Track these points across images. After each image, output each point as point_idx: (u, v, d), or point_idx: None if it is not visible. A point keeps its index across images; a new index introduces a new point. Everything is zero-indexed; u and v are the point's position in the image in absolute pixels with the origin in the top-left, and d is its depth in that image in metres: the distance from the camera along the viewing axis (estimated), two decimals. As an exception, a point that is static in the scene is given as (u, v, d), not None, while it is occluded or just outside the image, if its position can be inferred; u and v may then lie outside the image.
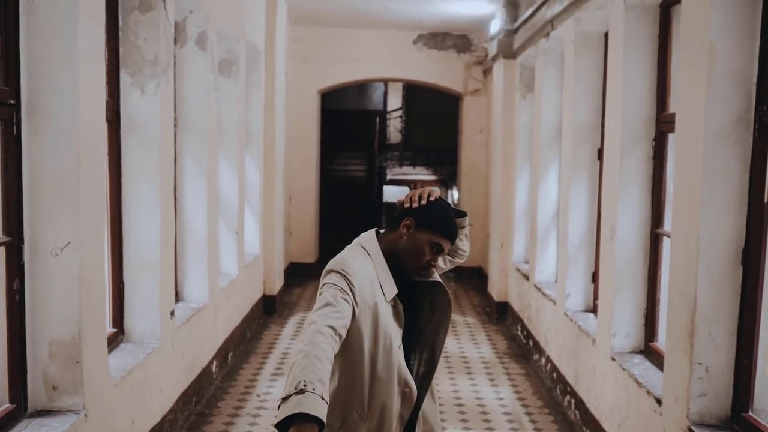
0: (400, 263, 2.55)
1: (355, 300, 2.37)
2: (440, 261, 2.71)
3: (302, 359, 2.11)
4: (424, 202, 2.53)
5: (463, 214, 2.76)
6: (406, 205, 2.54)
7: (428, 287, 2.62)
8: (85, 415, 3.48)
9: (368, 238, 2.59)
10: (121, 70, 4.55)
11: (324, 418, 2.02)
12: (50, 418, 3.37)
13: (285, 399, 2.04)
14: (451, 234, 2.58)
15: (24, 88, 3.32)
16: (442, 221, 2.56)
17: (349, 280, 2.38)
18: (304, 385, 2.03)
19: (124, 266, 4.62)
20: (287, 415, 1.99)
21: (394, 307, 2.51)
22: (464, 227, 2.78)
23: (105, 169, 4.09)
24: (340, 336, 2.27)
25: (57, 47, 3.35)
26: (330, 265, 2.45)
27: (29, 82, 3.33)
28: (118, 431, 4.03)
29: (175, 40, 5.40)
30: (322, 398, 2.04)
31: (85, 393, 3.48)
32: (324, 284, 2.40)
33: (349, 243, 2.64)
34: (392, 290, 2.51)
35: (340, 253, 2.52)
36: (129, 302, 4.64)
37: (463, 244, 2.83)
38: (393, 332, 2.48)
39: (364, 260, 2.50)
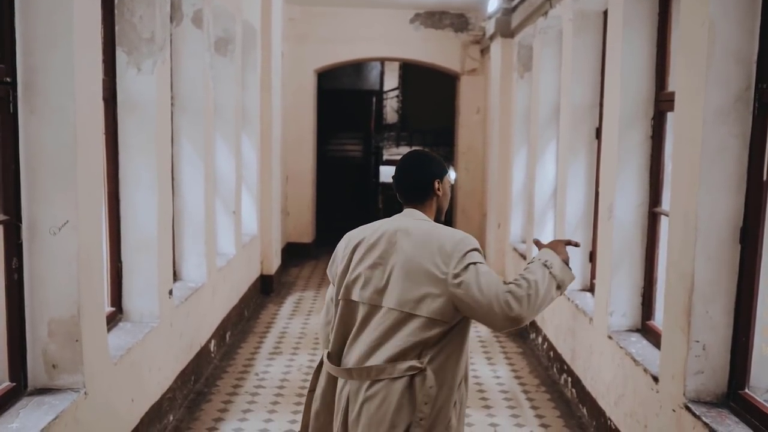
0: (440, 214, 2.81)
1: None
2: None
3: (533, 291, 2.57)
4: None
5: None
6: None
7: None
8: (85, 393, 3.49)
9: (422, 216, 2.73)
10: (117, 49, 4.52)
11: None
12: (50, 396, 3.39)
13: (562, 284, 2.66)
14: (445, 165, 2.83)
15: (20, 67, 3.30)
16: (442, 161, 2.83)
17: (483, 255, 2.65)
18: (545, 266, 2.63)
19: (122, 245, 4.61)
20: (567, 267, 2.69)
21: None
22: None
23: (102, 148, 4.07)
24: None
25: (53, 25, 3.32)
26: (470, 242, 2.60)
27: (25, 61, 3.31)
28: (118, 409, 4.04)
29: (171, 18, 5.36)
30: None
31: (84, 371, 3.50)
32: (476, 262, 2.57)
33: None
34: None
35: (450, 229, 2.66)
36: (127, 281, 4.64)
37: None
38: None
39: None
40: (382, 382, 2.55)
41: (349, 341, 2.67)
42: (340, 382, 2.70)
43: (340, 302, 2.69)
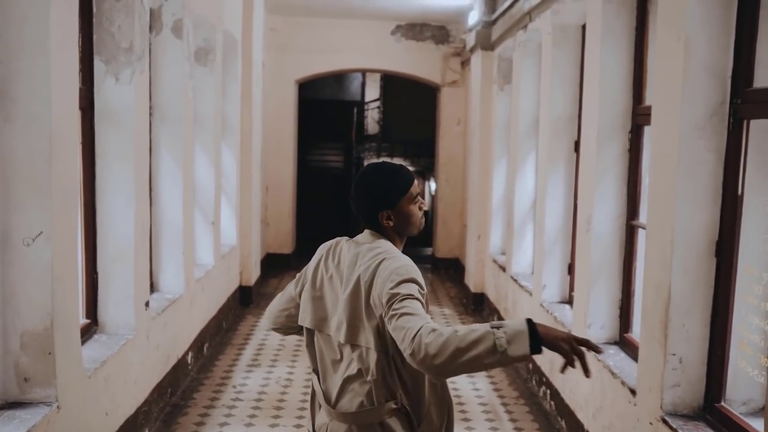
0: (403, 237, 2.59)
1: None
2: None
3: (460, 335, 2.10)
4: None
5: None
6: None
7: None
8: (58, 407, 3.44)
9: (377, 235, 2.51)
10: (95, 58, 4.49)
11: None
12: (22, 410, 3.33)
13: (502, 350, 2.08)
14: (411, 175, 2.57)
15: (-5, 75, 3.26)
16: (402, 179, 2.52)
17: (422, 288, 2.37)
18: (492, 327, 2.11)
19: (98, 256, 4.56)
20: (527, 338, 2.10)
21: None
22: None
23: (78, 157, 4.03)
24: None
25: (29, 33, 3.29)
26: (404, 272, 2.33)
27: (0, 69, 3.27)
28: (92, 423, 3.98)
29: (150, 27, 5.33)
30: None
31: (57, 384, 3.44)
32: (406, 296, 2.27)
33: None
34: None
35: (393, 254, 2.41)
36: (103, 293, 4.58)
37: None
38: None
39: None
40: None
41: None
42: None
43: None
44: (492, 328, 2.11)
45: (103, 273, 4.57)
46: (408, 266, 2.38)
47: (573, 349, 2.14)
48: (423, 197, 2.67)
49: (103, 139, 4.52)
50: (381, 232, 2.54)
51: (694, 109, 3.34)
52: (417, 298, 2.28)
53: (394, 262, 2.38)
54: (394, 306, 2.25)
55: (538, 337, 2.12)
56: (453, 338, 2.09)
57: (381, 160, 19.34)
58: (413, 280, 2.33)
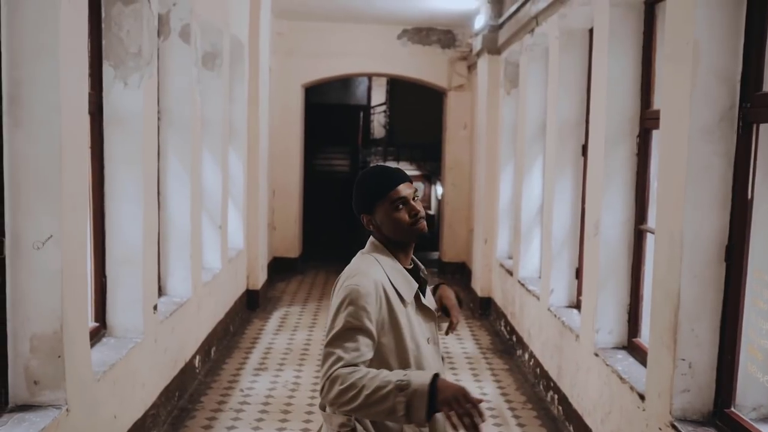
0: (400, 244, 2.50)
1: (373, 327, 2.36)
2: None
3: (365, 389, 2.22)
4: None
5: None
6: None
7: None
8: (67, 410, 3.45)
9: (372, 244, 2.53)
10: (104, 63, 4.51)
11: (430, 371, 2.30)
12: (32, 412, 3.34)
13: (405, 412, 2.18)
14: (395, 178, 2.46)
15: (5, 80, 3.28)
16: (379, 182, 2.46)
17: (366, 312, 2.34)
18: (399, 382, 2.20)
19: (106, 260, 4.58)
20: (425, 403, 2.17)
21: (417, 302, 2.52)
22: None
23: (87, 162, 4.05)
24: (365, 364, 2.36)
25: (39, 39, 3.30)
26: (345, 292, 2.36)
27: (10, 74, 3.29)
28: (101, 426, 3.99)
29: (158, 32, 5.35)
30: (408, 371, 2.32)
31: (67, 388, 3.45)
32: (344, 317, 2.33)
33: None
34: (411, 289, 2.50)
35: (353, 270, 2.43)
36: (111, 296, 4.60)
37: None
38: (419, 330, 2.50)
39: (375, 273, 2.42)
40: None
41: None
42: None
43: None
44: (397, 386, 2.19)
45: (111, 277, 4.59)
46: (351, 290, 2.35)
47: (461, 409, 2.15)
48: (413, 200, 2.47)
49: (112, 144, 4.54)
50: (376, 238, 2.53)
51: (703, 113, 3.33)
52: (349, 328, 2.32)
53: (344, 287, 2.39)
54: (326, 340, 2.37)
55: (436, 401, 2.18)
56: (356, 393, 2.22)
57: (383, 163, 19.37)
58: (349, 305, 2.33)
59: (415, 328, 2.49)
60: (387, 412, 2.20)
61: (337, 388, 2.25)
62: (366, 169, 2.57)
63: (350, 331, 2.32)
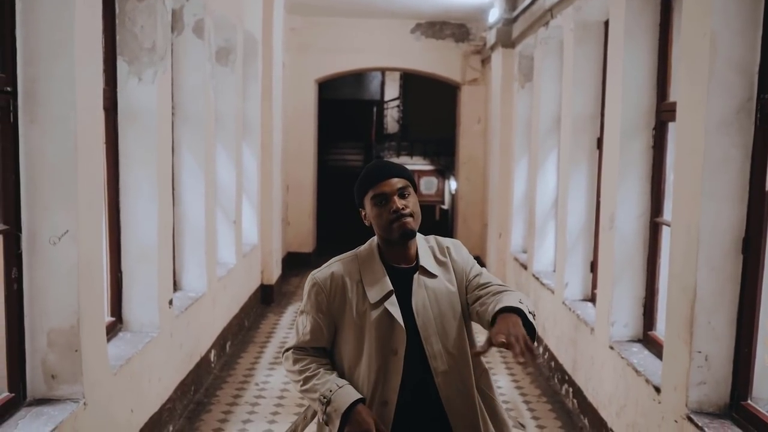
0: (388, 241, 2.45)
1: (323, 316, 2.47)
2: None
3: (302, 382, 2.46)
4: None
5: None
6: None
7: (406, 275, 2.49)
8: (84, 403, 3.47)
9: (371, 239, 2.55)
10: (118, 58, 4.52)
11: (355, 395, 2.36)
12: (49, 406, 3.37)
13: (324, 421, 2.38)
14: (378, 174, 2.42)
15: (20, 76, 3.30)
16: (364, 177, 2.47)
17: (312, 301, 2.48)
18: (322, 397, 2.36)
19: (122, 255, 4.60)
20: (337, 426, 2.33)
21: (387, 305, 2.41)
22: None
23: (102, 157, 4.07)
24: (318, 350, 2.52)
25: (54, 34, 3.32)
26: (307, 284, 2.53)
27: (26, 70, 3.31)
28: (117, 420, 4.02)
29: (172, 28, 5.37)
30: (339, 387, 2.39)
31: (84, 382, 3.48)
32: (302, 302, 2.55)
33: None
34: (380, 291, 2.41)
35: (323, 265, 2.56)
36: (127, 291, 4.62)
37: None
38: (384, 337, 2.40)
39: (340, 267, 2.48)
40: None
41: None
42: None
43: None
44: (320, 398, 2.39)
45: (127, 272, 4.61)
46: (308, 279, 2.51)
47: None
48: (400, 196, 2.40)
49: (127, 139, 4.56)
50: (375, 233, 2.53)
51: (721, 105, 3.30)
52: (301, 312, 2.54)
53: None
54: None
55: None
56: (296, 382, 2.49)
57: (394, 158, 19.35)
58: (305, 293, 2.52)
59: (376, 333, 2.40)
60: (314, 409, 2.48)
61: (285, 366, 2.54)
62: (368, 164, 2.58)
63: (302, 315, 2.53)
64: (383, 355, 2.40)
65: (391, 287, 2.43)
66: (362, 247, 2.53)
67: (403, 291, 2.44)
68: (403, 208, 2.38)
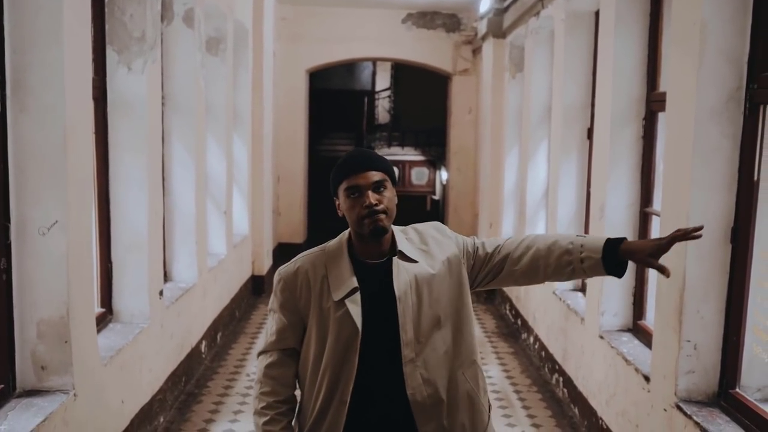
0: (360, 235, 2.33)
1: (288, 313, 2.39)
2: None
3: (256, 401, 2.41)
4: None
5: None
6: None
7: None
8: (75, 394, 3.46)
9: (345, 231, 2.44)
10: (108, 48, 4.49)
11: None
12: (39, 397, 3.36)
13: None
14: (354, 165, 2.30)
15: (9, 65, 3.27)
16: (339, 167, 2.33)
17: (278, 297, 2.41)
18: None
19: (112, 246, 4.59)
20: None
21: (348, 302, 2.30)
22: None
23: (92, 147, 4.04)
24: (286, 352, 2.41)
25: (42, 23, 3.29)
26: (274, 281, 2.45)
27: (14, 59, 3.28)
28: (108, 411, 4.02)
29: (162, 17, 5.33)
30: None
31: (74, 373, 3.47)
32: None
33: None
34: (343, 288, 2.31)
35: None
36: (117, 282, 4.61)
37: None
38: (339, 334, 2.30)
39: (306, 261, 2.38)
40: None
41: None
42: None
43: None
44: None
45: (117, 262, 4.60)
46: (275, 274, 2.44)
47: None
48: (375, 191, 2.29)
49: (116, 129, 4.53)
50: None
51: (710, 94, 3.31)
52: (270, 310, 2.46)
53: None
54: None
55: None
56: (254, 402, 2.41)
57: (392, 149, 19.33)
58: (273, 293, 2.44)
59: (337, 332, 2.30)
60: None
61: (257, 374, 2.45)
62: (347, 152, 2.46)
63: (270, 313, 2.45)
64: (341, 355, 2.30)
65: (356, 284, 2.31)
66: (331, 242, 2.42)
67: (371, 287, 2.33)
68: (376, 204, 2.26)
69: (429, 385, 2.32)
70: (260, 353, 2.45)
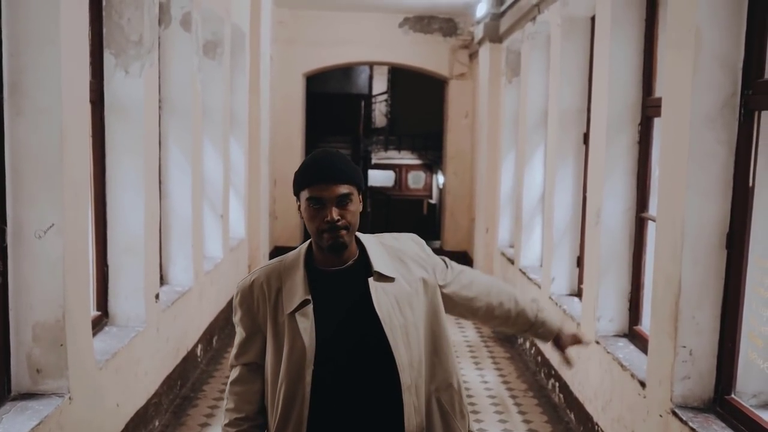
0: (320, 247, 2.20)
1: (247, 326, 2.30)
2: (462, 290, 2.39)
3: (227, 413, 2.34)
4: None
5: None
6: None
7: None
8: (70, 398, 3.46)
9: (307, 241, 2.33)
10: (105, 51, 4.50)
11: None
12: (34, 401, 3.35)
13: None
14: (317, 176, 2.13)
15: (6, 68, 3.27)
16: (303, 171, 2.18)
17: (237, 310, 2.32)
18: None
19: (108, 249, 4.58)
20: None
21: (297, 315, 2.17)
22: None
23: (89, 150, 4.04)
24: (249, 367, 2.33)
25: (39, 26, 3.30)
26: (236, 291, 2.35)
27: (11, 62, 3.28)
28: (103, 414, 4.01)
29: (159, 21, 5.33)
30: None
31: (69, 376, 3.46)
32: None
33: None
34: (294, 300, 2.18)
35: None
36: (113, 285, 4.60)
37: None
38: (291, 351, 2.17)
39: (264, 271, 2.27)
40: None
41: None
42: None
43: None
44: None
45: (113, 265, 4.59)
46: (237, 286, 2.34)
47: None
48: (338, 205, 2.15)
49: (113, 133, 4.53)
50: None
51: (705, 100, 3.32)
52: (234, 323, 2.36)
53: None
54: None
55: None
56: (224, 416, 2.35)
57: (389, 153, 19.35)
58: (237, 305, 2.33)
59: (289, 348, 2.17)
60: None
61: (226, 391, 2.38)
62: (314, 152, 2.26)
63: (236, 326, 2.36)
64: (297, 370, 2.16)
65: (307, 296, 2.17)
66: (291, 252, 2.30)
67: (331, 296, 2.20)
68: (338, 220, 2.12)
69: (418, 414, 2.20)
70: (231, 367, 2.40)
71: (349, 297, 2.21)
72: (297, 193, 2.21)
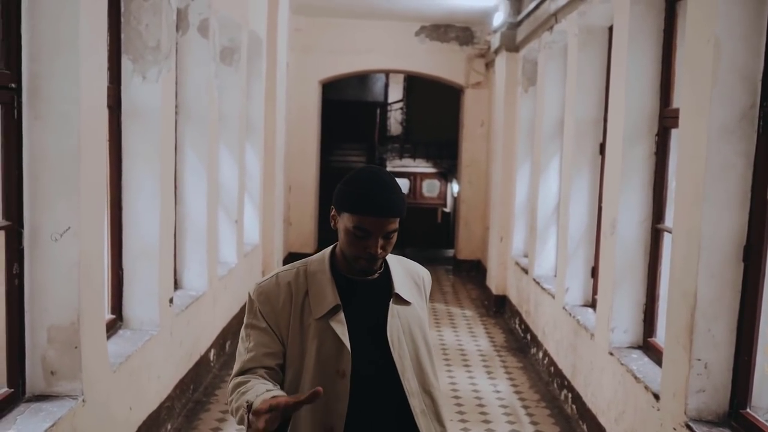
0: (347, 259, 2.16)
1: (271, 325, 2.17)
2: None
3: (236, 402, 2.06)
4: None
5: None
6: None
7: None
8: (83, 400, 3.47)
9: (333, 245, 2.27)
10: (123, 56, 4.53)
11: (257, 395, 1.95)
12: (48, 402, 3.37)
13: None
14: (371, 208, 2.04)
15: (25, 72, 3.31)
16: (359, 196, 2.06)
17: (258, 310, 2.19)
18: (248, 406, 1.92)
19: (123, 253, 4.61)
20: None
21: (331, 322, 2.13)
22: None
23: (105, 155, 4.07)
24: (269, 373, 2.14)
25: (59, 32, 3.33)
26: (253, 292, 2.23)
27: (30, 67, 3.32)
28: (116, 417, 4.02)
29: (177, 27, 5.37)
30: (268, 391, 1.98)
31: (83, 378, 3.48)
32: (245, 316, 2.25)
33: None
34: (324, 305, 2.14)
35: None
36: (128, 289, 4.63)
37: None
38: (326, 356, 2.12)
39: (288, 275, 2.21)
40: None
41: None
42: None
43: None
44: (248, 406, 1.92)
45: (128, 269, 4.62)
46: (252, 288, 2.22)
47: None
48: (381, 237, 2.09)
49: (130, 138, 4.57)
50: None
51: (724, 112, 3.30)
52: (245, 326, 2.22)
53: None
54: None
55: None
56: (230, 404, 2.11)
57: (404, 161, 19.34)
58: (248, 303, 2.23)
59: (318, 352, 2.13)
60: (240, 419, 2.02)
61: (229, 399, 2.15)
62: (365, 169, 2.16)
63: (246, 329, 2.22)
64: (326, 376, 2.11)
65: (338, 302, 2.15)
66: (313, 257, 2.27)
67: (357, 304, 2.18)
68: (380, 253, 2.10)
69: None
70: (234, 377, 2.17)
71: (373, 311, 2.20)
72: (339, 210, 2.13)
